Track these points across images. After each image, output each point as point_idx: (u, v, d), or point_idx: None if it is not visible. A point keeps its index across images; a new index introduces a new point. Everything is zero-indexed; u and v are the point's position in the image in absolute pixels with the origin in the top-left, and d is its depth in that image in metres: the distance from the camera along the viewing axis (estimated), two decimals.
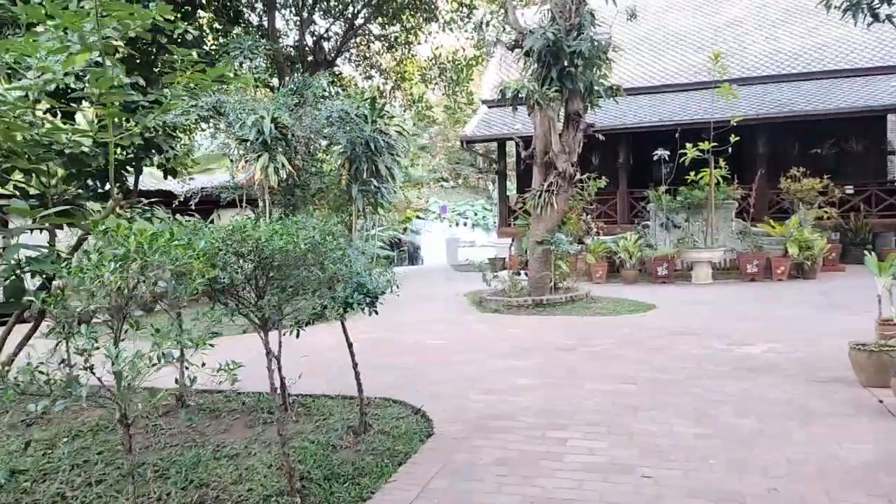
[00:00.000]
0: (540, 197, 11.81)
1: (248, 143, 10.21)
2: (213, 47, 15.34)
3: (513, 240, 18.84)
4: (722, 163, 14.35)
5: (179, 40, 14.19)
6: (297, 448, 5.12)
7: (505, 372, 7.13)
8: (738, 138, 13.91)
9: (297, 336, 6.23)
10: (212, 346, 3.47)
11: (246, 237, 3.86)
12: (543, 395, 6.19)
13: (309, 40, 19.59)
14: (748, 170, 16.69)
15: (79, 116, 14.50)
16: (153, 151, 14.32)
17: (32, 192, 5.44)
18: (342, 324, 5.42)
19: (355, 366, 5.66)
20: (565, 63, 11.22)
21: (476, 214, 38.64)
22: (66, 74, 11.61)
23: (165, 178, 15.81)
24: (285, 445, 4.32)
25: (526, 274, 12.62)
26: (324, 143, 12.28)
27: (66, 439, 5.60)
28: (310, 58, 19.01)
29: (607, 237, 16.05)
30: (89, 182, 14.61)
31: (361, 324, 11.34)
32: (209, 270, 3.21)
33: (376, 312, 5.25)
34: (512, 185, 23.95)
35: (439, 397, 6.32)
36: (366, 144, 12.06)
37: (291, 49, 19.42)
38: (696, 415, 5.40)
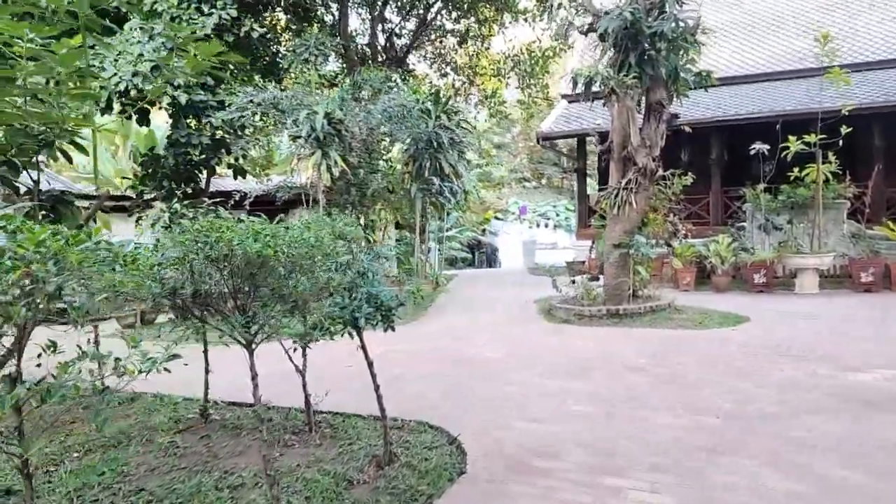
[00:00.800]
0: (617, 196, 10.73)
1: (301, 140, 9.84)
2: (289, 47, 15.15)
3: (593, 242, 17.67)
4: (831, 157, 12.64)
5: (247, 39, 14.16)
6: (308, 481, 4.49)
7: (559, 395, 6.22)
8: (850, 130, 12.19)
9: (304, 354, 5.65)
10: (168, 370, 2.88)
11: (217, 240, 3.23)
12: (601, 427, 5.26)
13: (381, 38, 19.25)
14: (863, 165, 14.74)
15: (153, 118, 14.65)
16: (223, 151, 14.41)
17: None
18: (360, 337, 4.71)
19: (377, 388, 4.96)
20: (645, 46, 10.10)
21: (558, 215, 37.32)
22: (134, 75, 11.48)
23: (235, 178, 15.90)
24: (274, 487, 3.67)
25: (603, 280, 11.54)
26: (386, 140, 11.74)
27: (76, 454, 5.25)
28: (381, 56, 18.66)
29: (697, 240, 14.61)
30: (164, 183, 14.85)
31: (418, 330, 10.82)
32: (141, 284, 2.59)
33: (392, 329, 4.49)
34: (595, 184, 22.68)
35: (481, 423, 5.52)
36: (428, 141, 11.41)
37: (365, 47, 19.15)
38: (792, 464, 4.32)
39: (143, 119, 14.71)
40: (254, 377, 3.65)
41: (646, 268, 11.44)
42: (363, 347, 4.74)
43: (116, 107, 13.82)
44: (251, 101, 10.83)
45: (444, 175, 11.78)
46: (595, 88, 10.70)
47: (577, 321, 10.45)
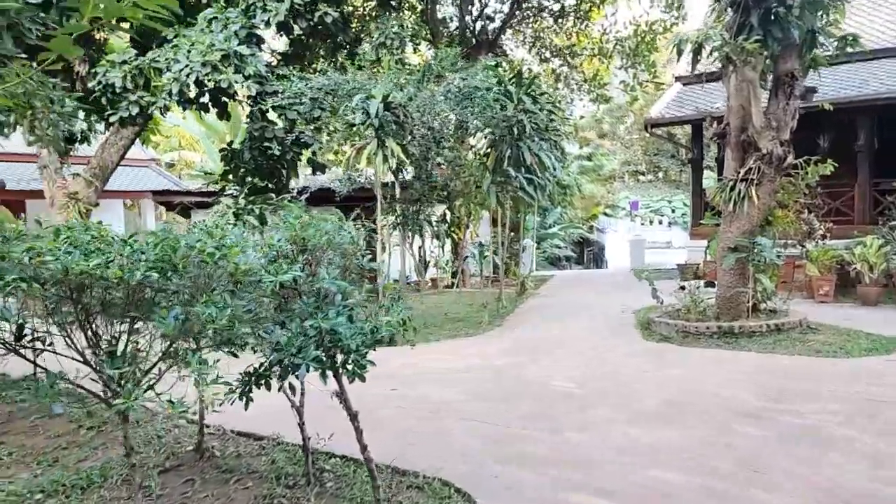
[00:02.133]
0: (733, 189, 8.81)
1: (355, 129, 8.85)
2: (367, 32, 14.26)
3: (709, 242, 15.45)
4: None
5: (320, 26, 13.41)
6: None
7: (643, 451, 4.68)
8: None
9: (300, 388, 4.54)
10: None
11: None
12: None
13: (472, 22, 18.00)
14: None
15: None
16: (301, 145, 13.79)
17: None
18: (338, 382, 3.48)
19: (363, 449, 3.70)
20: (772, 2, 8.13)
21: (674, 212, 34.30)
22: (203, 65, 10.88)
23: (314, 173, 15.27)
24: None
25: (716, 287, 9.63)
26: (455, 127, 10.47)
27: (39, 496, 4.45)
28: (472, 42, 17.41)
29: (838, 241, 12.17)
30: (247, 178, 14.46)
31: (482, 343, 9.44)
32: None
33: (361, 378, 3.23)
34: (716, 176, 20.13)
35: (526, 492, 4.13)
36: (507, 128, 10.03)
37: (455, 32, 17.98)
38: None
39: (223, 112, 14.42)
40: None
41: (770, 276, 9.40)
42: (341, 395, 3.49)
43: (202, 100, 13.64)
44: (309, 87, 9.96)
45: (527, 166, 10.34)
46: (707, 59, 8.83)
47: (679, 339, 8.67)
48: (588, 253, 35.30)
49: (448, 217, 15.99)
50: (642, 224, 32.62)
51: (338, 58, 13.48)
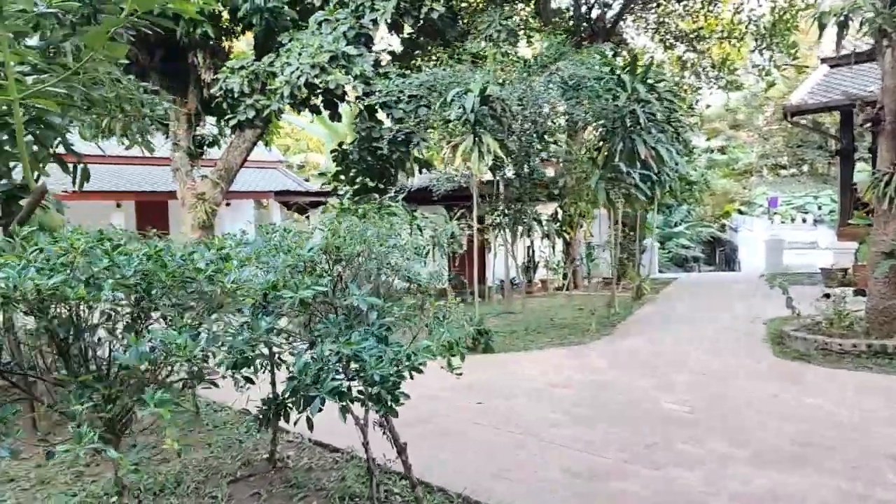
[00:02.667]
0: (888, 184, 7.49)
1: (451, 125, 8.46)
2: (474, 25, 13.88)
3: (859, 244, 13.59)
4: None
5: (427, 23, 13.20)
6: None
7: (759, 502, 3.91)
8: None
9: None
10: None
11: None
12: None
13: (588, 10, 17.06)
14: None
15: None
16: (409, 144, 13.70)
17: None
18: (386, 419, 3.11)
19: (412, 487, 3.29)
20: None
21: (820, 209, 30.90)
22: (312, 67, 11.02)
23: (420, 171, 15.14)
24: None
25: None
26: (561, 119, 9.75)
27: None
28: (587, 31, 16.50)
29: None
30: (358, 178, 14.62)
31: (586, 355, 8.65)
32: None
33: (394, 414, 2.82)
34: (868, 168, 17.74)
35: None
36: (619, 119, 9.24)
37: (570, 22, 17.14)
38: None
39: (334, 114, 14.65)
40: None
41: None
42: (385, 426, 3.09)
43: (313, 102, 13.92)
44: (408, 83, 9.72)
45: (642, 161, 9.47)
46: (857, 35, 7.57)
47: (819, 358, 7.50)
48: (719, 253, 32.78)
49: (560, 215, 15.26)
50: (782, 222, 29.66)
51: (446, 55, 13.24)
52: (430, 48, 15.12)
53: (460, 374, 3.15)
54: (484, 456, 4.91)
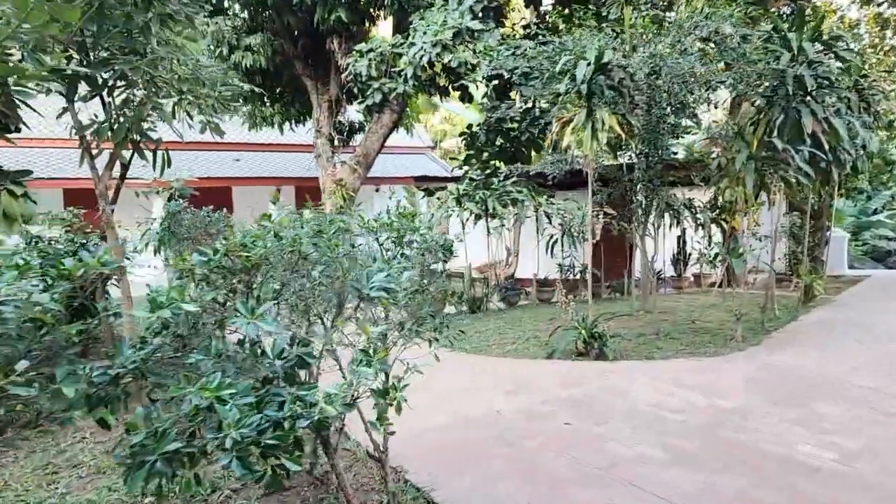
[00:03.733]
0: None
1: (561, 99, 7.38)
2: None
3: None
4: None
5: None
6: None
7: None
8: None
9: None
10: None
11: None
12: None
13: None
14: None
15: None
16: (539, 125, 12.75)
17: None
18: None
19: None
20: None
21: None
22: (433, 45, 10.65)
23: (553, 151, 14.06)
24: None
25: None
26: (702, 90, 8.11)
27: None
28: None
29: None
30: (490, 161, 13.99)
31: (732, 369, 7.13)
32: None
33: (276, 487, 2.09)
34: None
35: None
36: (780, 86, 7.59)
37: None
38: None
39: (465, 94, 14.07)
40: None
41: None
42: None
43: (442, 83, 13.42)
44: (521, 55, 8.76)
45: (811, 136, 7.72)
46: None
47: None
48: None
49: (720, 201, 13.38)
50: None
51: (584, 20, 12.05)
52: (573, 18, 13.94)
53: (392, 432, 2.39)
54: (547, 496, 4.05)
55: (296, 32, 15.13)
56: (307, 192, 23.72)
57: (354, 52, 12.96)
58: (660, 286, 13.78)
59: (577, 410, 5.65)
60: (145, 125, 5.67)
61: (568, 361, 7.43)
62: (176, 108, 5.24)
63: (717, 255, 8.46)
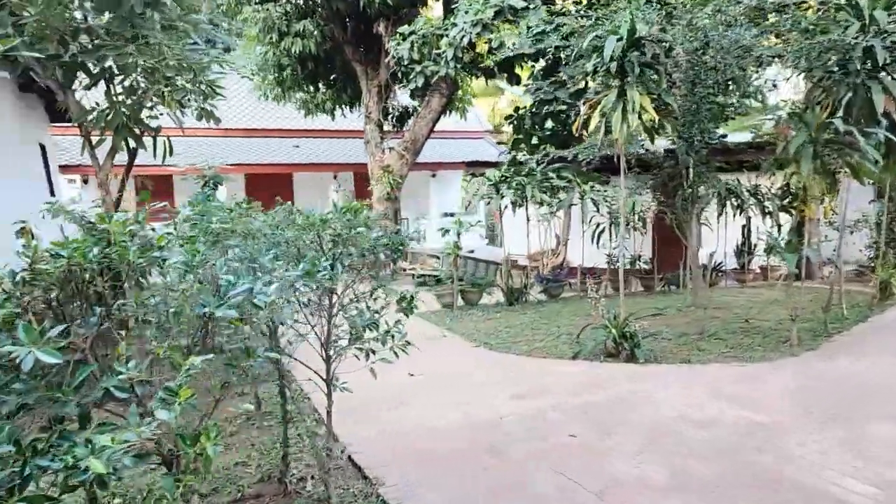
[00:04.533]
0: None
1: (588, 77, 6.74)
2: None
3: None
4: None
5: None
6: None
7: None
8: None
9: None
10: None
11: None
12: None
13: None
14: None
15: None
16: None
17: None
18: None
19: None
20: None
21: None
22: (474, 24, 10.23)
23: (605, 135, 13.32)
24: None
25: None
26: (752, 67, 7.19)
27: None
28: None
29: None
30: (541, 146, 13.41)
31: (777, 378, 6.32)
32: None
33: None
34: None
35: None
36: (846, 61, 6.72)
37: None
38: None
39: (512, 76, 13.49)
40: None
41: None
42: None
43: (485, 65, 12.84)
44: (546, 31, 8.13)
45: (885, 115, 6.80)
46: None
47: None
48: None
49: (792, 188, 12.29)
50: None
51: None
52: None
53: None
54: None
55: (345, 17, 14.98)
56: (365, 178, 23.77)
57: (397, 35, 12.65)
58: (720, 279, 12.86)
59: (588, 419, 5.17)
60: (146, 113, 5.56)
61: (594, 363, 6.90)
62: (165, 95, 5.09)
63: (771, 247, 7.62)
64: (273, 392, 6.10)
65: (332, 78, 17.24)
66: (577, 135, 12.55)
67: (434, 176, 23.75)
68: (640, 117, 6.36)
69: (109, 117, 5.16)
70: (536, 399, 5.74)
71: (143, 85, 5.44)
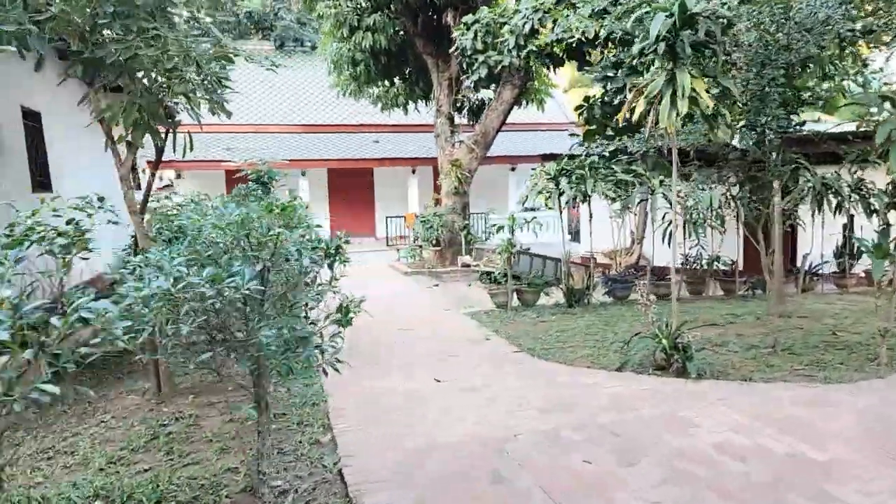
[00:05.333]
0: None
1: (635, 61, 5.97)
2: None
3: None
4: None
5: None
6: None
7: None
8: None
9: None
10: None
11: None
12: None
13: None
14: None
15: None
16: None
17: None
18: None
19: None
20: None
21: None
22: (535, 10, 9.75)
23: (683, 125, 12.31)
24: None
25: None
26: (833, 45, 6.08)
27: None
28: None
29: None
30: (616, 138, 12.63)
31: (849, 405, 5.30)
32: None
33: None
34: None
35: None
36: None
37: None
38: None
39: (582, 63, 12.71)
40: None
41: None
42: None
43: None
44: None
45: None
46: None
47: None
48: None
49: None
50: None
51: None
52: None
53: None
54: None
55: (416, 9, 14.77)
56: None
57: (461, 25, 12.26)
58: (815, 284, 11.56)
59: (611, 442, 4.60)
60: (165, 110, 5.52)
61: (640, 376, 6.25)
62: (173, 88, 5.00)
63: (859, 250, 6.61)
64: (281, 394, 5.96)
65: (405, 72, 17.12)
66: (630, 124, 11.71)
67: (513, 169, 23.19)
68: (693, 104, 5.62)
69: (124, 113, 5.15)
70: (561, 415, 5.22)
71: (160, 80, 5.41)
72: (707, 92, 5.50)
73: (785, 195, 7.76)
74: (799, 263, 11.61)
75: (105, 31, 5.27)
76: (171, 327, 2.47)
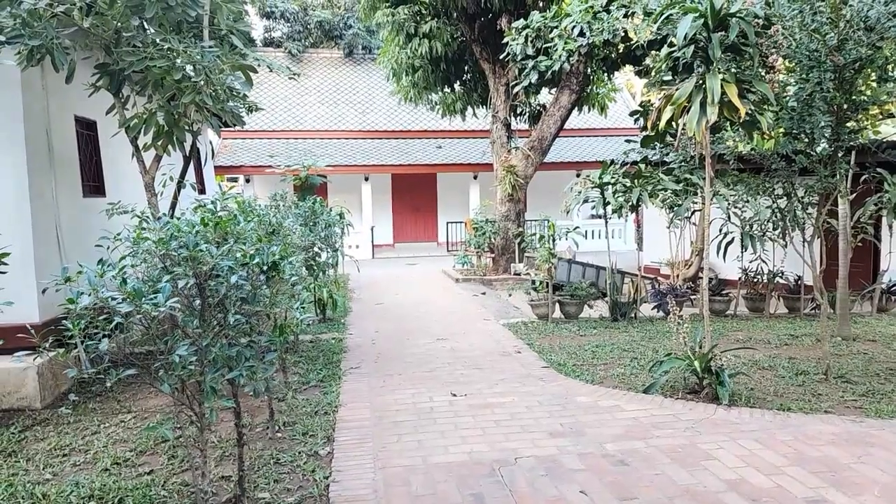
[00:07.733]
0: None
1: (664, 66, 5.54)
2: None
3: None
4: None
5: None
6: None
7: None
8: None
9: None
10: None
11: None
12: None
13: None
14: None
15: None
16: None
17: None
18: None
19: None
20: None
21: None
22: (584, 13, 9.58)
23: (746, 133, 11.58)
24: None
25: None
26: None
27: None
28: None
29: None
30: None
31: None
32: None
33: None
34: None
35: None
36: None
37: None
38: None
39: (642, 69, 12.19)
40: None
41: None
42: None
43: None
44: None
45: None
46: None
47: None
48: None
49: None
50: None
51: None
52: None
53: None
54: None
55: (473, 15, 14.66)
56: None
57: (511, 30, 12.05)
58: (894, 304, 10.58)
59: (615, 473, 4.30)
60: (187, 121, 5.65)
61: (667, 400, 5.85)
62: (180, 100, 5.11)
63: None
64: (298, 402, 5.96)
65: (463, 78, 17.05)
66: (658, 132, 11.12)
67: (579, 175, 22.65)
68: (729, 110, 5.21)
69: (144, 125, 5.31)
70: (570, 439, 4.95)
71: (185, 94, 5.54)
72: (741, 98, 5.07)
73: (853, 207, 7.09)
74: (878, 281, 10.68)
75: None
76: (91, 343, 2.47)
